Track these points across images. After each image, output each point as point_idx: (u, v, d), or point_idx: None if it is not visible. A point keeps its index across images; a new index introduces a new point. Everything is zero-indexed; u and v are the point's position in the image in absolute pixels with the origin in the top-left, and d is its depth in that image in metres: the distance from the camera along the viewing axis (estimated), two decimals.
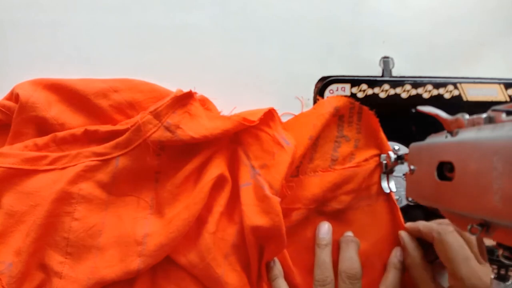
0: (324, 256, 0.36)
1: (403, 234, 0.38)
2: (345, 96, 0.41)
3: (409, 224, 0.38)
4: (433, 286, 0.34)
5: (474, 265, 0.31)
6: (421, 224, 0.36)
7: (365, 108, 0.40)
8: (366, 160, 0.39)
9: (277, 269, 0.37)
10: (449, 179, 0.25)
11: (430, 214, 0.39)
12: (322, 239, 0.37)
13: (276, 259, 0.37)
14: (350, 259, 0.35)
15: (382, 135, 0.40)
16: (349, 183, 0.38)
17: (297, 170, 0.40)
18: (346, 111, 0.40)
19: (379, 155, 0.40)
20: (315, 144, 0.40)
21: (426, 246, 0.36)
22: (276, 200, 0.35)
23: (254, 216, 0.35)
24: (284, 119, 0.42)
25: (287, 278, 0.37)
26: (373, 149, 0.40)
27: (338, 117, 0.40)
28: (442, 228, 0.33)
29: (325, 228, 0.38)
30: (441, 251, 0.33)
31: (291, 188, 0.38)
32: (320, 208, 0.39)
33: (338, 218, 0.40)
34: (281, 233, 0.35)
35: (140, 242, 0.35)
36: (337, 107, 0.39)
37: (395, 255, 0.38)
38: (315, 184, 0.38)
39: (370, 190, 0.40)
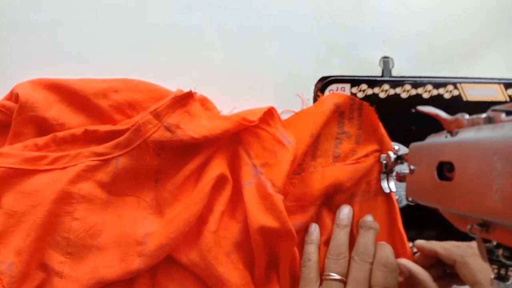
0: (343, 235, 0.37)
1: (404, 262, 0.36)
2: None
3: (422, 244, 0.37)
4: None
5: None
6: (438, 246, 0.35)
7: (365, 104, 0.40)
8: (366, 155, 0.39)
9: (315, 235, 0.38)
10: (449, 179, 0.25)
11: (430, 214, 0.39)
12: (342, 220, 0.38)
13: (317, 225, 0.38)
14: (366, 244, 0.36)
15: (382, 131, 0.40)
16: (350, 179, 0.38)
17: (300, 168, 0.40)
18: (347, 108, 0.40)
19: (379, 151, 0.40)
20: (316, 141, 0.40)
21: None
22: (279, 198, 0.35)
23: (258, 215, 0.35)
24: (284, 117, 0.42)
25: (296, 271, 0.37)
26: (374, 145, 0.40)
27: (339, 114, 0.41)
28: (463, 251, 0.33)
29: (345, 210, 0.39)
30: (466, 274, 0.32)
31: (294, 185, 0.39)
32: (325, 205, 0.39)
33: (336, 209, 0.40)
34: (290, 232, 0.35)
35: (140, 242, 0.35)
36: (337, 104, 0.40)
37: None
38: (317, 180, 0.38)
39: (369, 185, 0.40)
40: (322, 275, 0.36)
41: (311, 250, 0.37)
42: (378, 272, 0.34)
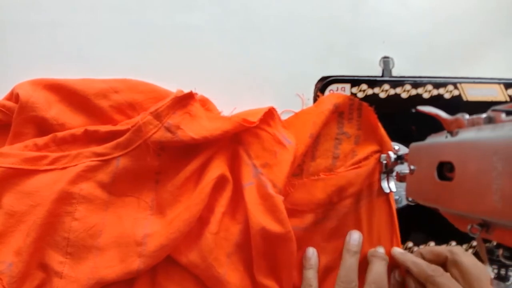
0: (353, 261, 0.37)
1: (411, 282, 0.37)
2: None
3: (397, 254, 0.38)
4: None
5: None
6: (411, 262, 0.36)
7: (365, 104, 0.40)
8: (366, 158, 0.39)
9: (314, 260, 0.38)
10: (449, 179, 0.25)
11: (431, 214, 0.39)
12: (353, 246, 0.38)
13: (315, 250, 0.38)
14: (380, 273, 0.35)
15: (382, 131, 0.40)
16: (353, 184, 0.38)
17: (300, 168, 0.40)
18: (346, 108, 0.40)
19: (379, 151, 0.40)
20: (316, 142, 0.40)
21: None
22: (279, 198, 0.35)
23: (259, 216, 0.35)
24: (284, 117, 0.42)
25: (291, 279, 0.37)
26: (374, 145, 0.40)
27: (338, 114, 0.40)
28: (432, 269, 0.33)
29: (356, 236, 0.38)
30: None
31: (294, 186, 0.38)
32: (327, 212, 0.39)
33: (342, 216, 0.39)
34: (289, 233, 0.35)
35: (140, 243, 0.35)
36: (336, 104, 0.40)
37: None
38: (320, 188, 0.38)
39: (372, 186, 0.40)
40: None
41: (311, 275, 0.37)
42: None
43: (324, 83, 0.43)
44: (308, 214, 0.38)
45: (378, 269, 0.36)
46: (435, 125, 0.29)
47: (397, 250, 0.38)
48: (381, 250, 0.38)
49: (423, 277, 0.33)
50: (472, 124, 0.25)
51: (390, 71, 0.44)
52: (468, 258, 0.33)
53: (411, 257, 0.36)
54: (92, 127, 0.37)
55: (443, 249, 0.35)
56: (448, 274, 0.33)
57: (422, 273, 0.34)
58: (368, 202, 0.40)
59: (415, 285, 0.36)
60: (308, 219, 0.38)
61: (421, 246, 0.43)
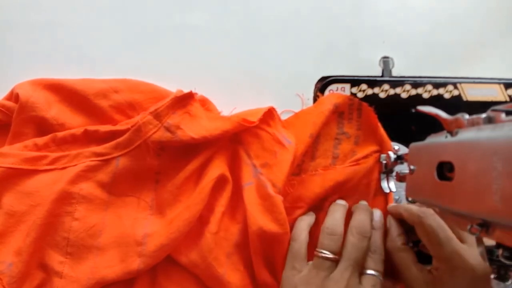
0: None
1: (391, 220, 0.37)
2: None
3: (391, 207, 0.38)
4: (415, 268, 0.33)
5: (456, 245, 0.31)
6: (402, 208, 0.36)
7: (364, 104, 0.40)
8: (366, 157, 0.39)
9: (309, 216, 0.38)
10: (449, 179, 0.25)
11: None
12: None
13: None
14: (363, 220, 0.35)
15: (382, 131, 0.40)
16: (350, 181, 0.38)
17: (299, 168, 0.40)
18: (346, 108, 0.40)
19: (378, 151, 0.40)
20: (315, 142, 0.40)
21: (407, 229, 0.37)
22: (279, 198, 0.35)
23: (258, 216, 0.35)
24: (284, 117, 0.42)
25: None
26: (373, 146, 0.40)
27: (338, 114, 0.40)
28: (422, 211, 0.33)
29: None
30: (423, 234, 0.33)
31: (293, 186, 0.39)
32: (320, 205, 0.39)
33: None
34: (288, 234, 0.35)
35: (140, 243, 0.35)
36: (336, 104, 0.40)
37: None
38: (317, 183, 0.38)
39: (369, 186, 0.40)
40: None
41: (303, 226, 0.36)
42: (370, 258, 0.34)
43: (324, 83, 0.43)
44: (305, 209, 0.38)
45: (360, 216, 0.35)
46: (435, 125, 0.29)
47: (391, 205, 0.39)
48: (363, 202, 0.38)
49: (412, 220, 0.34)
50: (472, 124, 0.25)
51: (390, 71, 0.44)
52: (434, 220, 0.33)
53: (404, 205, 0.36)
54: (92, 127, 0.37)
55: (416, 210, 0.35)
56: (435, 214, 0.33)
57: (412, 216, 0.34)
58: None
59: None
60: (301, 213, 0.38)
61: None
